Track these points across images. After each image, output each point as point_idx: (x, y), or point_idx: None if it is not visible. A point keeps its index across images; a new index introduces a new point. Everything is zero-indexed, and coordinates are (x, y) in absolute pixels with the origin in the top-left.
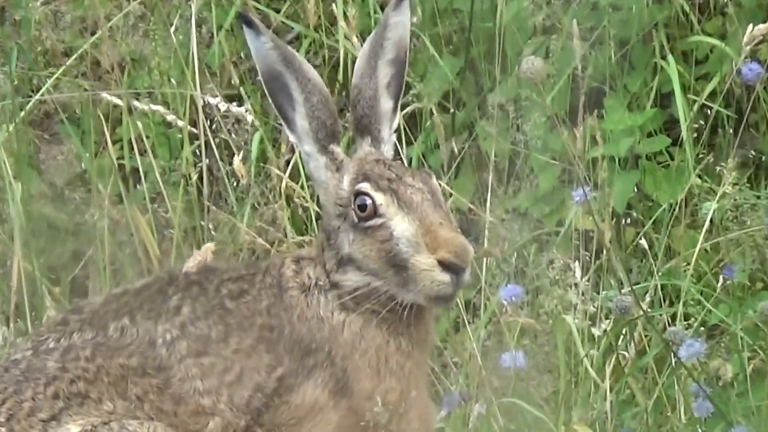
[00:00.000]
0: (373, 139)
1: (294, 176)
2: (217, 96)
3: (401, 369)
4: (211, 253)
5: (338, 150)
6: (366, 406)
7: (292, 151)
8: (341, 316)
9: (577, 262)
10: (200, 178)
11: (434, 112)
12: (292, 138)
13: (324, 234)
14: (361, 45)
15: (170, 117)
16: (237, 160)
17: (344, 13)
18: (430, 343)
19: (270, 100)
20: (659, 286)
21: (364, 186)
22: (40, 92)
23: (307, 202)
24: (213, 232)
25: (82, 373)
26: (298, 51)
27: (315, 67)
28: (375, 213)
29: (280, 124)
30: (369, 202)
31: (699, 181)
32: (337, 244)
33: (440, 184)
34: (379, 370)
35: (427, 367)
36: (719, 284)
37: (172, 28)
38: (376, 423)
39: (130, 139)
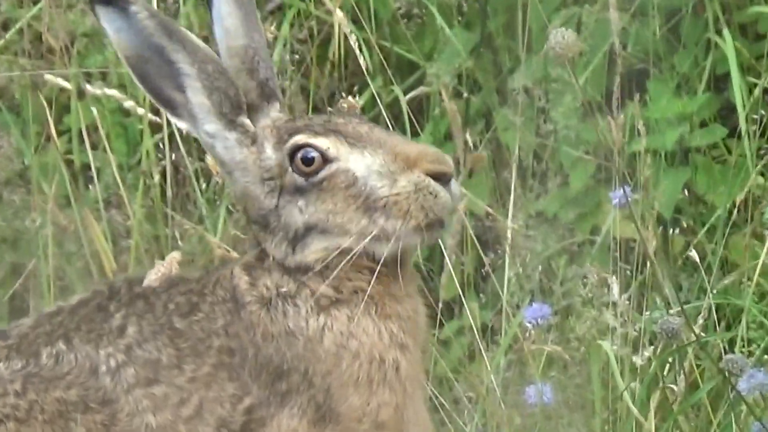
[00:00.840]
0: (281, 104)
1: None
2: None
3: (396, 372)
4: (177, 264)
5: (247, 122)
6: (356, 429)
7: None
8: (319, 321)
9: (614, 277)
10: (164, 176)
11: (444, 96)
12: (182, 124)
13: (259, 226)
14: (359, 17)
15: (128, 103)
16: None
17: None
18: (424, 330)
19: (143, 87)
20: (714, 306)
21: (300, 138)
22: None
23: None
24: (179, 242)
25: (12, 411)
26: (280, 23)
27: (301, 42)
28: (325, 160)
29: None
30: (313, 152)
31: (761, 179)
32: (283, 223)
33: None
34: (371, 379)
35: (423, 367)
36: None
37: None
38: None
39: (80, 129)
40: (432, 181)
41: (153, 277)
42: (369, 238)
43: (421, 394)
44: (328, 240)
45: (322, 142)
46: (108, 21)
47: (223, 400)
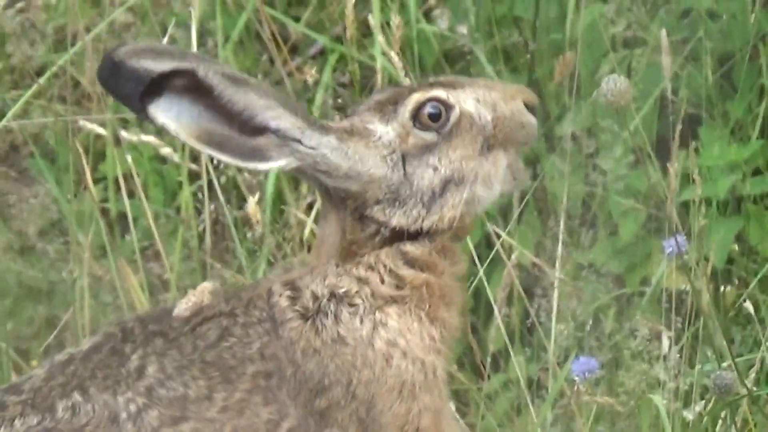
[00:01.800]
0: None
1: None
2: None
3: (434, 376)
4: (209, 294)
5: (329, 122)
6: None
7: (314, 193)
8: (375, 318)
9: (665, 329)
10: (202, 226)
11: None
12: (281, 162)
13: (384, 205)
14: (401, 61)
15: (165, 150)
16: (252, 202)
17: (381, 23)
18: (458, 331)
19: (225, 158)
20: (767, 359)
21: (417, 96)
22: (5, 118)
23: None
24: None
25: None
26: (322, 68)
27: (343, 86)
28: (447, 109)
29: None
30: (436, 104)
31: None
32: (416, 188)
33: (499, 234)
34: (413, 382)
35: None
36: None
37: (166, 39)
38: None
39: (116, 177)
40: (526, 111)
41: (183, 306)
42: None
43: (449, 405)
44: (461, 191)
45: (439, 93)
46: (165, 114)
47: (257, 427)
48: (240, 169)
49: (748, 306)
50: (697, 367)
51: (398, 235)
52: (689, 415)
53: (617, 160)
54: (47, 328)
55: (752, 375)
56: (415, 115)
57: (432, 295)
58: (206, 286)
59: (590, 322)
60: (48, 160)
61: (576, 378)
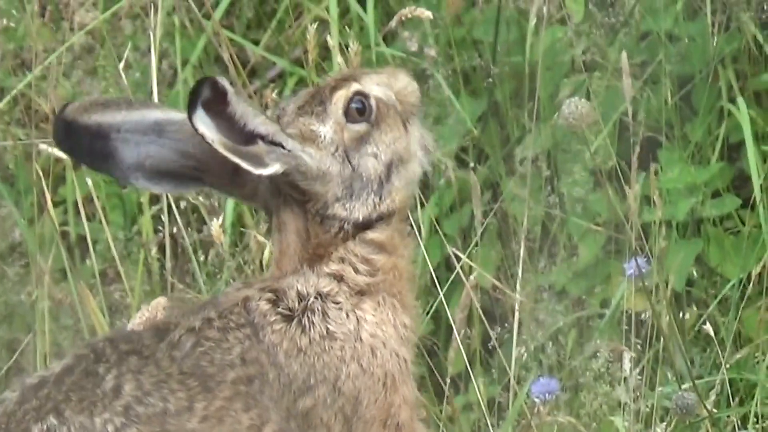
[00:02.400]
0: None
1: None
2: None
3: (406, 365)
4: (163, 309)
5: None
6: None
7: None
8: (357, 314)
9: (626, 350)
10: (162, 249)
11: (449, 167)
12: (270, 169)
13: (342, 203)
14: None
15: None
16: (215, 224)
17: (341, 45)
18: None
19: (236, 158)
20: (728, 381)
21: (343, 93)
22: None
23: None
24: None
25: None
26: (281, 92)
27: None
28: (366, 98)
29: None
30: (359, 98)
31: None
32: (365, 179)
33: (459, 256)
34: (393, 374)
35: None
36: None
37: (123, 64)
38: None
39: (76, 200)
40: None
41: (137, 321)
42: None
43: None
44: (402, 171)
45: (353, 86)
46: (205, 124)
47: None
48: (199, 193)
49: (708, 328)
50: (658, 389)
51: (358, 227)
52: None
53: (577, 183)
54: (7, 351)
55: (713, 397)
56: (346, 112)
57: (401, 279)
58: (160, 301)
59: (550, 344)
60: (8, 183)
61: (537, 399)
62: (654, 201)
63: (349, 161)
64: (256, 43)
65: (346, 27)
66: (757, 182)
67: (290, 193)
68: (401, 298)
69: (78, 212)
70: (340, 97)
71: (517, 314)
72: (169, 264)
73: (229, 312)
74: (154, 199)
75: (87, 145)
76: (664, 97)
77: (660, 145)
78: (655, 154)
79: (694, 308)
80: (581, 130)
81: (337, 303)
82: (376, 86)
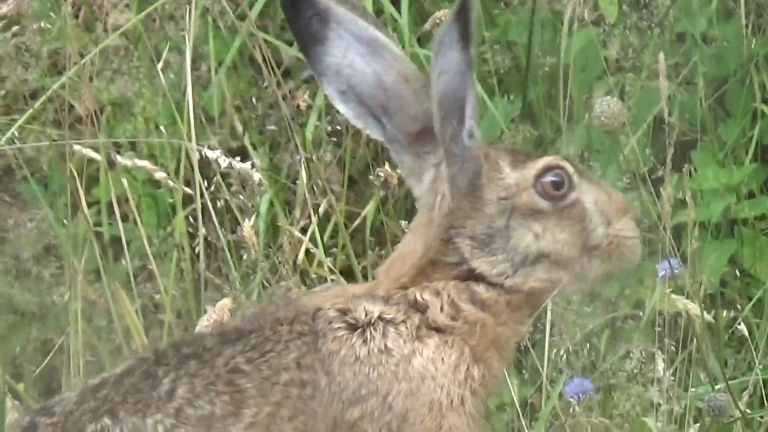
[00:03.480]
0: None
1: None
2: (216, 148)
3: (461, 402)
4: (229, 311)
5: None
6: None
7: (309, 216)
8: (414, 345)
9: (659, 352)
10: (196, 250)
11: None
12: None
13: (475, 242)
14: None
15: (159, 174)
16: (246, 226)
17: None
18: (499, 382)
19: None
20: (762, 382)
21: (551, 159)
22: None
23: (327, 274)
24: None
25: None
26: (315, 93)
27: (336, 111)
28: (570, 187)
29: (294, 183)
30: (564, 176)
31: None
32: (511, 245)
33: None
34: (441, 403)
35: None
36: None
37: (160, 65)
38: None
39: (110, 201)
40: (638, 236)
41: (205, 323)
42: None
43: None
44: (553, 271)
45: (570, 168)
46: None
47: None
48: (233, 193)
49: (742, 329)
50: (691, 390)
51: (476, 277)
52: None
53: (611, 184)
54: (41, 352)
55: (745, 398)
56: (539, 177)
57: (484, 336)
58: (226, 303)
59: (585, 345)
60: (42, 184)
61: (571, 399)
62: (687, 202)
63: (509, 219)
64: (290, 44)
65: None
66: None
67: (446, 188)
68: (476, 350)
69: (111, 213)
70: (543, 160)
71: (549, 315)
72: (202, 265)
73: (297, 321)
74: (188, 200)
75: (306, 19)
76: (699, 99)
77: (694, 147)
78: (689, 155)
79: (728, 309)
80: (613, 128)
81: (397, 329)
82: (591, 198)
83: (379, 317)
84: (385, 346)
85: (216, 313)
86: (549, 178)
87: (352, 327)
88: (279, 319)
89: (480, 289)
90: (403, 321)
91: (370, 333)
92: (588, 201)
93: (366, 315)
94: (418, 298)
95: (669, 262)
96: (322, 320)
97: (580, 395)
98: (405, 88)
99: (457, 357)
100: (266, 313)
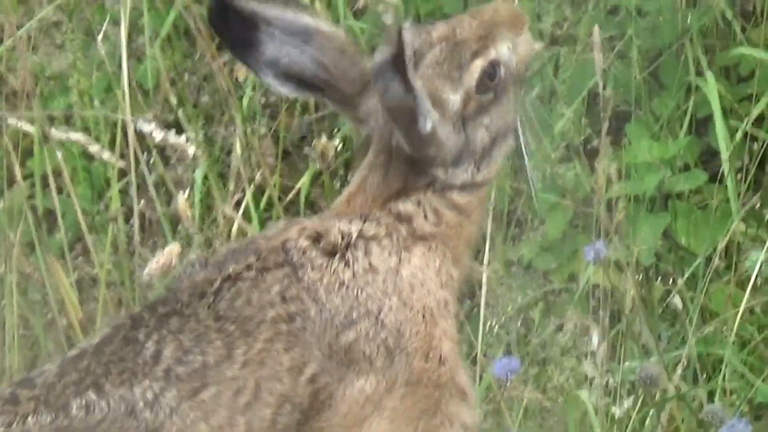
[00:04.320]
0: None
1: (246, 218)
2: (151, 122)
3: (446, 305)
4: (177, 256)
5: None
6: (424, 368)
7: (244, 191)
8: (401, 255)
9: (594, 325)
10: (130, 223)
11: None
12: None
13: (444, 168)
14: None
15: (93, 148)
16: (181, 198)
17: None
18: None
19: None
20: (695, 355)
21: (480, 63)
22: None
23: None
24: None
25: None
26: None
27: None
28: (498, 66)
29: (229, 155)
30: (493, 65)
31: (743, 226)
32: (471, 149)
33: None
34: (431, 310)
35: None
36: None
37: (100, 36)
38: (437, 383)
39: (44, 174)
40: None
41: (153, 267)
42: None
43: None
44: (505, 141)
45: (492, 54)
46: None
47: (281, 376)
48: (168, 165)
49: (676, 302)
50: (625, 363)
51: (450, 186)
52: (617, 412)
53: (544, 157)
54: None
55: (679, 371)
56: (480, 83)
57: (460, 237)
58: (173, 248)
59: (519, 318)
60: None
61: (499, 378)
62: (618, 175)
63: (465, 130)
64: None
65: (313, 2)
66: (725, 157)
67: (404, 146)
68: (454, 252)
69: (45, 186)
70: (477, 67)
71: (484, 288)
72: (137, 237)
73: (267, 253)
74: (122, 174)
75: (236, 29)
76: (633, 72)
77: (629, 120)
78: (623, 128)
79: (662, 283)
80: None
81: (381, 244)
82: (505, 49)
83: (360, 235)
84: (370, 264)
85: (164, 257)
86: (485, 72)
87: (330, 253)
88: (247, 258)
89: (455, 196)
90: (387, 235)
91: (352, 254)
92: (505, 55)
93: (343, 237)
94: (402, 209)
95: (598, 244)
96: (294, 251)
97: (509, 374)
98: (341, 59)
99: (440, 261)
100: (228, 259)
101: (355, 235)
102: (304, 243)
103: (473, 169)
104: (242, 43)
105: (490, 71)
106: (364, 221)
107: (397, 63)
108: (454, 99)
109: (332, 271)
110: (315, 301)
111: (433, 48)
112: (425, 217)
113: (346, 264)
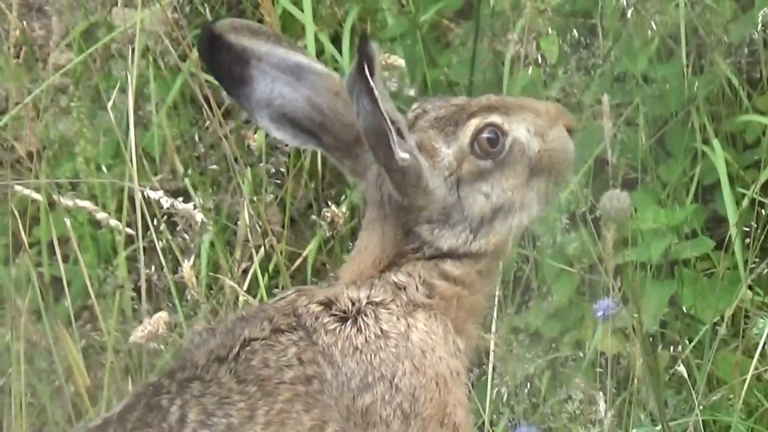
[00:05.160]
0: None
1: (252, 288)
2: (158, 189)
3: (458, 375)
4: (165, 324)
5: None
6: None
7: (251, 258)
8: (408, 321)
9: (600, 393)
10: (137, 290)
11: None
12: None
13: (433, 225)
14: None
15: (100, 215)
16: (186, 266)
17: None
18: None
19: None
20: (701, 423)
21: (476, 121)
22: None
23: None
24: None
25: None
26: (255, 133)
27: (277, 148)
28: (503, 135)
29: (235, 224)
30: (494, 130)
31: (750, 293)
32: (467, 214)
33: None
34: (445, 378)
35: None
36: None
37: (110, 103)
38: None
39: (49, 241)
40: (569, 139)
41: (140, 334)
42: (542, 206)
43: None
44: (510, 218)
45: (496, 119)
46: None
47: None
48: (175, 233)
49: (682, 370)
50: (632, 431)
51: (442, 255)
52: None
53: (551, 224)
54: None
55: None
56: (473, 141)
57: (461, 308)
58: (162, 315)
59: (527, 385)
60: None
61: None
62: (628, 242)
63: (458, 191)
64: None
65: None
66: (732, 223)
67: (393, 191)
68: (455, 322)
69: (51, 253)
70: (472, 125)
71: (492, 356)
72: (144, 306)
73: (279, 318)
74: (129, 241)
75: (226, 64)
76: (640, 139)
77: (635, 187)
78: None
79: (668, 350)
80: (621, 222)
81: (389, 309)
82: (524, 129)
83: (368, 302)
84: (381, 330)
85: (151, 324)
86: (484, 136)
87: (342, 319)
88: (261, 324)
89: (448, 266)
90: (392, 300)
91: (363, 320)
92: (522, 134)
93: (353, 304)
94: (395, 279)
95: (607, 301)
96: (307, 317)
97: None
98: (336, 101)
99: (444, 329)
100: (238, 326)
101: (364, 302)
102: (316, 308)
103: (468, 236)
104: (233, 79)
105: (491, 136)
106: (371, 287)
107: (362, 74)
108: (446, 152)
109: (346, 336)
110: (331, 365)
111: (440, 108)
112: (416, 288)
113: (359, 330)
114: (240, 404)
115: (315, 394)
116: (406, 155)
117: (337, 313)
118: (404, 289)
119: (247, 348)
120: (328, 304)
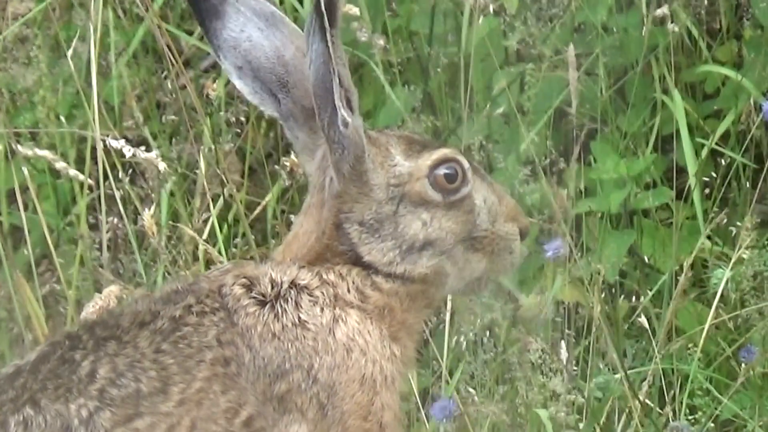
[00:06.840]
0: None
1: (212, 237)
2: (119, 138)
3: (392, 381)
4: (115, 298)
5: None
6: (361, 428)
7: (208, 208)
8: (335, 312)
9: (561, 342)
10: (96, 240)
11: None
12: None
13: (362, 228)
14: None
15: (59, 164)
16: (147, 215)
17: None
18: (413, 362)
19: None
20: (661, 372)
21: (446, 152)
22: None
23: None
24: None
25: None
26: (214, 83)
27: (234, 99)
28: (463, 181)
29: (195, 173)
30: (458, 169)
31: (709, 243)
32: (399, 231)
33: None
34: (375, 379)
35: None
36: (740, 373)
37: (70, 52)
38: None
39: (11, 190)
40: (519, 239)
41: (90, 310)
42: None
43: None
44: (438, 259)
45: (465, 164)
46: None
47: (217, 417)
48: (133, 182)
49: (642, 319)
50: (590, 380)
51: (368, 265)
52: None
53: (511, 174)
54: None
55: (645, 387)
56: (433, 168)
57: (393, 318)
58: (112, 289)
59: (486, 334)
60: None
61: (436, 420)
62: (584, 192)
63: (397, 206)
64: (190, 33)
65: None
66: (691, 174)
67: (332, 170)
68: (391, 330)
69: (11, 202)
70: (439, 153)
71: (449, 305)
72: (105, 254)
73: (205, 297)
74: (89, 189)
75: None
76: (599, 89)
77: (594, 137)
78: (588, 146)
79: (628, 300)
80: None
81: (313, 297)
82: (481, 198)
83: (292, 284)
84: (299, 318)
85: (102, 300)
86: (443, 170)
87: (261, 303)
88: (186, 300)
89: (379, 279)
90: (318, 287)
91: (281, 307)
92: (478, 198)
93: (273, 287)
94: (325, 276)
95: (556, 242)
96: (230, 297)
97: (445, 418)
98: (302, 62)
99: (379, 333)
100: (169, 297)
101: (286, 285)
102: (238, 290)
103: (396, 257)
104: (209, 10)
105: (452, 172)
106: (298, 270)
107: (319, 11)
108: (401, 162)
109: (264, 321)
110: (249, 348)
111: (419, 136)
112: (348, 290)
113: (276, 316)
114: (151, 372)
115: (233, 377)
116: (348, 120)
117: (256, 295)
118: (334, 286)
119: (171, 324)
120: (249, 286)
